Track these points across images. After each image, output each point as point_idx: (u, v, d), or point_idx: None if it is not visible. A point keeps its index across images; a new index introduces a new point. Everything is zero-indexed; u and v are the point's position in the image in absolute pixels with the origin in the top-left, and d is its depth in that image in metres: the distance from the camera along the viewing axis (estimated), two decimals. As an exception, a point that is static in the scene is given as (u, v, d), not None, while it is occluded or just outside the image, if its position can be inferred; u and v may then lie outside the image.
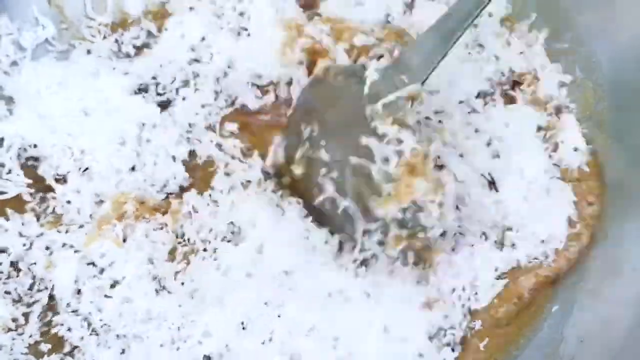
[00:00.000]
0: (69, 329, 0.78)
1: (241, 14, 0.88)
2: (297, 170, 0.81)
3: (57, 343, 0.79)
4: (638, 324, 0.77)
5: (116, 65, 0.87)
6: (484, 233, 0.82)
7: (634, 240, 0.82)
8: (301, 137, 0.81)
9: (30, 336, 0.78)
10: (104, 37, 0.89)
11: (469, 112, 0.86)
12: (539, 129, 0.86)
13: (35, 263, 0.80)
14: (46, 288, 0.79)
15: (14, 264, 0.80)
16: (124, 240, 0.80)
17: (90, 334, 0.78)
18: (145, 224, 0.81)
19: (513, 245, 0.82)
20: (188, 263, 0.80)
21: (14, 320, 0.78)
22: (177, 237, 0.81)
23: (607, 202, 0.85)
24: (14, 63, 0.88)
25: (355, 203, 0.78)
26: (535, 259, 0.82)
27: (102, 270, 0.79)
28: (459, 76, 0.86)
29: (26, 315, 0.79)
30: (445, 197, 0.77)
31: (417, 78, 0.78)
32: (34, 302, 0.79)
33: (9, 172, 0.83)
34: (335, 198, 0.79)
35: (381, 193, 0.77)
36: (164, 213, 0.82)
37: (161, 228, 0.81)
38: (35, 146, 0.84)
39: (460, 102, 0.86)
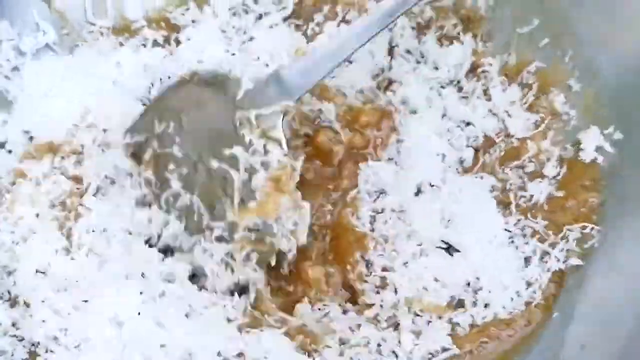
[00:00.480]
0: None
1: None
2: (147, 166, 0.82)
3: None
4: (639, 329, 0.76)
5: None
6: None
7: (633, 244, 0.81)
8: (152, 132, 0.81)
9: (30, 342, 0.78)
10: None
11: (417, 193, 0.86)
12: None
13: None
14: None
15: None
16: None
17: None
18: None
19: (486, 305, 0.81)
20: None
21: (14, 324, 0.78)
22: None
23: (607, 207, 0.84)
24: (15, 68, 0.88)
25: (203, 202, 0.79)
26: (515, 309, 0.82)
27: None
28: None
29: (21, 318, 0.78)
30: (301, 219, 0.79)
31: (292, 95, 0.79)
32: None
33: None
34: (180, 193, 0.80)
35: (233, 200, 0.78)
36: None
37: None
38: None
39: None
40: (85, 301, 0.77)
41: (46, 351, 0.76)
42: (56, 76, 0.87)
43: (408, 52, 0.90)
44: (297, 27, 0.91)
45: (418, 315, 0.80)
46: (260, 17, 0.91)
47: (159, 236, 0.81)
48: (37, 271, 0.78)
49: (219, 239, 0.79)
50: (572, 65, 0.88)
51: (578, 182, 0.86)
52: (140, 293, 0.76)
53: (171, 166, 0.80)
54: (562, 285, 0.83)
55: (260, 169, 0.78)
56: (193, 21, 0.91)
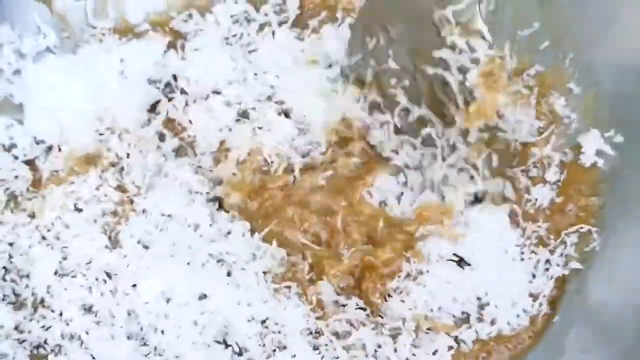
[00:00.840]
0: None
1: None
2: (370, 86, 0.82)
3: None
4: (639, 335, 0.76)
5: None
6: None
7: (634, 247, 0.81)
8: (366, 49, 0.81)
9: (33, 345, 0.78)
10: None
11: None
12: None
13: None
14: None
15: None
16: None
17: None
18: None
19: (492, 322, 0.81)
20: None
21: (17, 327, 0.79)
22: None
23: (607, 210, 0.84)
24: (17, 71, 0.88)
25: (431, 111, 0.79)
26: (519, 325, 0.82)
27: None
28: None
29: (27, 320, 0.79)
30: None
31: None
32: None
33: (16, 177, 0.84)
34: (409, 108, 0.80)
35: (458, 103, 0.77)
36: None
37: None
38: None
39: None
40: (134, 285, 0.79)
41: (56, 354, 0.78)
42: (60, 76, 0.87)
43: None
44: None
45: (425, 332, 0.80)
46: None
47: None
48: (62, 273, 0.80)
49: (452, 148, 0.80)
50: (572, 68, 0.88)
51: (578, 185, 0.86)
52: (188, 264, 0.79)
53: (393, 80, 0.80)
54: (563, 290, 0.83)
55: (471, 67, 0.77)
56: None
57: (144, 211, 0.82)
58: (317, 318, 0.79)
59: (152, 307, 0.78)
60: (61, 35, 0.90)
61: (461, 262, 0.82)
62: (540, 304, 0.81)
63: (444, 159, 0.82)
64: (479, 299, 0.81)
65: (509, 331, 0.80)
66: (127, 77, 0.87)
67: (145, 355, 0.77)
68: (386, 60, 0.81)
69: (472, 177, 0.82)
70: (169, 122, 0.87)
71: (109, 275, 0.80)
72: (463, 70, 0.77)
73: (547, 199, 0.85)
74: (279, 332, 0.78)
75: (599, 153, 0.85)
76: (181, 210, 0.82)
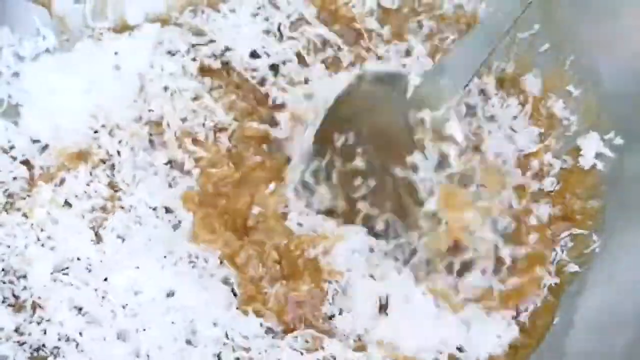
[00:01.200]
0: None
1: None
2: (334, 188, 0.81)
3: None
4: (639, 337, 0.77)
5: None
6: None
7: (633, 250, 0.81)
8: (332, 148, 0.80)
9: (32, 347, 0.78)
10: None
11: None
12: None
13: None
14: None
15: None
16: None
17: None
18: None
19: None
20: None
21: (17, 329, 0.78)
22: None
23: (607, 213, 0.84)
24: (15, 74, 0.88)
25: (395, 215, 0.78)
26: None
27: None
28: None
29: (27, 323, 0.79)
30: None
31: (459, 81, 0.78)
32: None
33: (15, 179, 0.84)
34: (371, 214, 0.79)
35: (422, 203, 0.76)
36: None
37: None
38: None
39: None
40: (105, 279, 0.79)
41: (55, 356, 0.77)
42: (55, 74, 0.87)
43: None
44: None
45: None
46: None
47: None
48: (55, 271, 0.80)
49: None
50: (572, 70, 0.88)
51: (577, 188, 0.86)
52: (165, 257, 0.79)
53: (358, 181, 0.79)
54: (562, 293, 0.83)
55: (439, 172, 0.77)
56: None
57: (130, 207, 0.83)
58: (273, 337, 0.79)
59: (122, 301, 0.78)
60: (60, 38, 0.90)
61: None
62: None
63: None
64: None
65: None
66: (122, 71, 0.87)
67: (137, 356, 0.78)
68: (353, 158, 0.79)
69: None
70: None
71: (89, 270, 0.80)
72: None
73: (546, 214, 0.85)
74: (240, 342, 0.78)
75: (598, 156, 0.85)
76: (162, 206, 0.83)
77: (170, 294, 0.79)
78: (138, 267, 0.79)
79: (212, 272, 0.80)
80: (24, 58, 0.88)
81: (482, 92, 0.89)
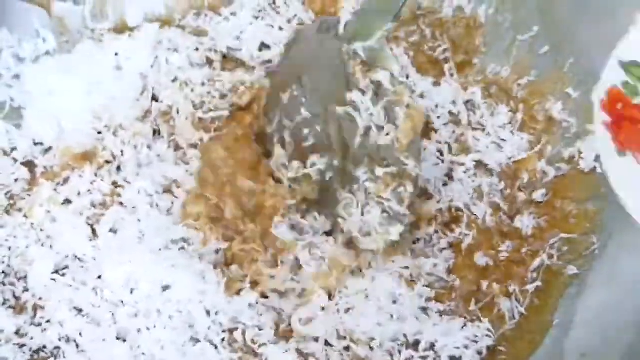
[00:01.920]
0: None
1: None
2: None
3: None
4: (639, 338, 0.77)
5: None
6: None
7: (633, 251, 0.81)
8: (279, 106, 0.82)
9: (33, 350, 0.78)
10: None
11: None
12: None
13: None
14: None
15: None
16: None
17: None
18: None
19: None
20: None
21: (17, 332, 0.78)
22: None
23: (607, 214, 0.84)
24: (16, 76, 0.88)
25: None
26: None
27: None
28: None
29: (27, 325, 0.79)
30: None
31: (388, 13, 0.77)
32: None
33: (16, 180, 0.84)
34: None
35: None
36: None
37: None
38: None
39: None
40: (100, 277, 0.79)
41: (56, 357, 0.77)
42: (57, 76, 0.87)
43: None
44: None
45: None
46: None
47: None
48: (55, 271, 0.80)
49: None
50: (572, 72, 0.89)
51: (573, 192, 0.87)
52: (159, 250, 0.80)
53: (306, 131, 0.81)
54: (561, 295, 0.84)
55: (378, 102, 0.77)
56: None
57: (128, 200, 0.83)
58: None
59: (118, 298, 0.78)
60: (60, 39, 0.90)
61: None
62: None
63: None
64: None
65: None
66: (123, 71, 0.88)
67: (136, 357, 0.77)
68: (299, 111, 0.81)
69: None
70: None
71: (86, 269, 0.80)
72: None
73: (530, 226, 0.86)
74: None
75: (598, 158, 0.85)
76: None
77: (166, 288, 0.78)
78: (131, 262, 0.79)
79: (201, 253, 0.81)
80: (24, 60, 0.89)
81: (469, 102, 0.91)
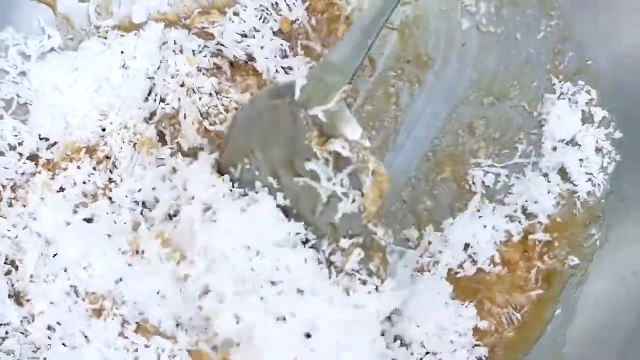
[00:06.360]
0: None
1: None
2: None
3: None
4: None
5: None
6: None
7: (634, 242, 0.83)
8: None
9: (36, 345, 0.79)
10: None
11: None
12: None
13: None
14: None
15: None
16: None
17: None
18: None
19: None
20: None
21: (22, 324, 0.79)
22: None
23: (608, 206, 0.85)
24: (23, 73, 0.88)
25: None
26: None
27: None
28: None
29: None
30: None
31: (346, 73, 0.74)
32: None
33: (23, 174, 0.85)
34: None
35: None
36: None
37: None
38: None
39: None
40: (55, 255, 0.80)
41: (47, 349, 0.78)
42: (63, 72, 0.88)
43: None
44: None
45: None
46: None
47: None
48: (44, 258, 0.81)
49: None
50: (573, 67, 0.89)
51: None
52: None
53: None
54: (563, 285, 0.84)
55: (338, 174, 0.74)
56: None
57: (117, 198, 0.84)
58: None
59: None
60: (65, 37, 0.90)
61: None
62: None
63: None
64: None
65: None
66: (129, 70, 0.88)
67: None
68: (253, 184, 0.78)
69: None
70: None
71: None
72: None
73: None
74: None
75: (598, 150, 0.86)
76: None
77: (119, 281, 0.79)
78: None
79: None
80: (30, 57, 0.89)
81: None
